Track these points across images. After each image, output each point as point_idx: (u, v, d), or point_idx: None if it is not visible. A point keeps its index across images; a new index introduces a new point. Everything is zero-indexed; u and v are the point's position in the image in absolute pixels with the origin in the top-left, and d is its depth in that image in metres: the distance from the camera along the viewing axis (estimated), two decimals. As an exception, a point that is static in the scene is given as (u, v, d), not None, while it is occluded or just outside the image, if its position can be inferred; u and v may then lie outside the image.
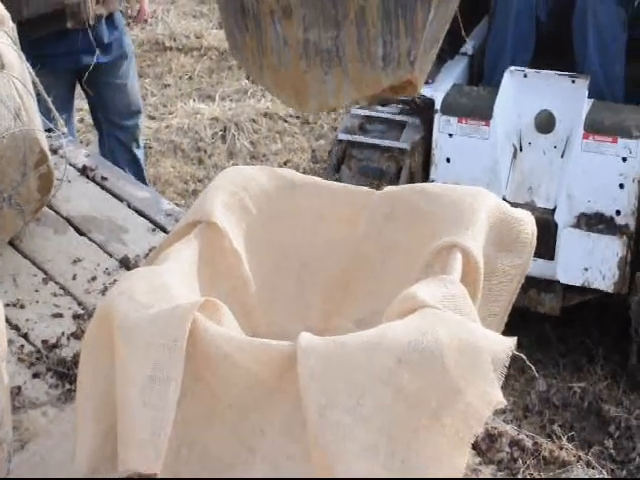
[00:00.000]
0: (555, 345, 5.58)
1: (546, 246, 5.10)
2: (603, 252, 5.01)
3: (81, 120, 7.11)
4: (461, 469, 1.81)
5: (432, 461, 1.81)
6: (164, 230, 2.92)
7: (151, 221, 2.97)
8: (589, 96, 4.97)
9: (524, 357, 1.91)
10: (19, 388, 2.38)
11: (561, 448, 2.17)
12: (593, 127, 4.93)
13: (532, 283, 5.11)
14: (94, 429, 2.07)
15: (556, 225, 5.10)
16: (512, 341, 1.83)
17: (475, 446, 2.17)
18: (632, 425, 5.08)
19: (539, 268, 5.05)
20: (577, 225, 5.08)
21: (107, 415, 2.05)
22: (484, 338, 1.82)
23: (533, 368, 2.30)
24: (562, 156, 5.06)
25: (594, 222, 5.07)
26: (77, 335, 2.51)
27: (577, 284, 5.09)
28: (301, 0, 1.88)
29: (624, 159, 4.91)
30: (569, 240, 5.06)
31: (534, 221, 2.23)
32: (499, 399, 1.80)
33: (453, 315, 1.85)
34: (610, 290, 5.04)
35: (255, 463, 1.96)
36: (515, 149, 5.16)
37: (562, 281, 5.11)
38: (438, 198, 2.18)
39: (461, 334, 1.81)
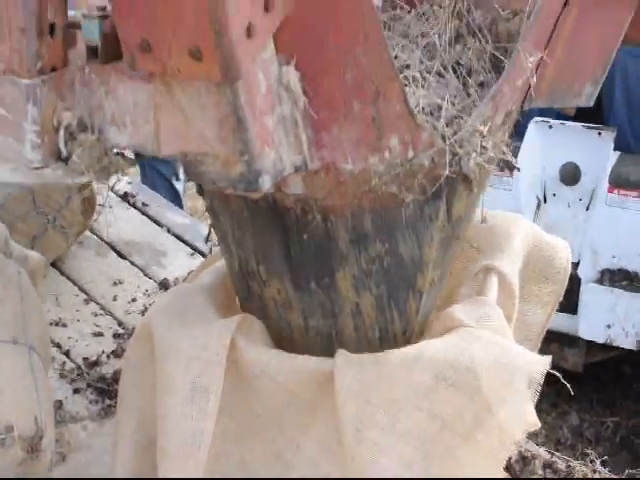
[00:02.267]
0: (588, 380, 5.59)
1: (569, 300, 5.14)
2: (626, 309, 5.05)
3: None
4: None
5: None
6: (202, 254, 3.04)
7: (190, 246, 3.08)
8: (615, 149, 5.05)
9: (559, 375, 1.97)
10: (60, 403, 2.50)
11: (594, 471, 2.23)
12: (618, 181, 4.98)
13: (554, 337, 5.17)
14: (134, 444, 2.16)
15: (579, 280, 5.15)
16: (547, 360, 1.91)
17: (508, 468, 2.24)
18: None
19: (561, 322, 5.11)
20: (600, 281, 5.12)
21: (147, 430, 2.14)
22: (519, 356, 1.91)
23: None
24: (587, 209, 5.11)
25: (618, 278, 5.10)
26: (117, 353, 2.62)
27: (599, 341, 5.12)
28: (299, 296, 2.04)
29: (650, 215, 4.97)
30: (592, 296, 5.12)
31: (569, 248, 2.32)
32: (533, 419, 1.87)
33: (489, 334, 1.94)
34: (633, 347, 5.07)
35: (290, 477, 2.04)
36: (539, 201, 5.24)
37: (584, 337, 5.17)
38: (476, 223, 2.27)
39: (496, 353, 1.90)
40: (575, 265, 5.16)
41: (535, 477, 2.27)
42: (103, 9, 1.65)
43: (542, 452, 2.30)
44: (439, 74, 2.15)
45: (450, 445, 1.90)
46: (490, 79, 2.18)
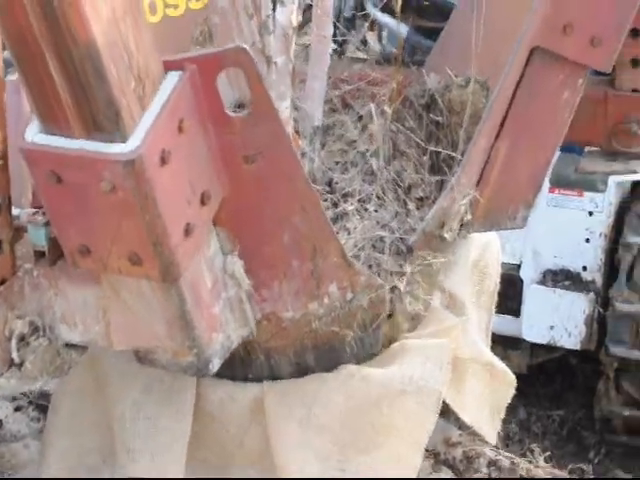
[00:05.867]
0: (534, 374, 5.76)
1: (512, 303, 5.32)
2: (569, 309, 5.23)
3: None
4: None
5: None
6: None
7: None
8: (554, 149, 5.17)
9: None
10: (1, 422, 2.57)
11: (537, 467, 2.41)
12: (559, 181, 5.12)
13: (499, 340, 5.34)
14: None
15: (522, 281, 5.32)
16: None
17: (453, 467, 2.42)
18: (612, 451, 5.41)
19: (505, 325, 5.28)
20: (543, 281, 5.27)
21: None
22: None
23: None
24: None
25: (560, 278, 5.27)
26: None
27: (542, 342, 5.31)
28: None
29: (590, 213, 5.08)
30: (534, 297, 5.29)
31: (497, 241, 2.58)
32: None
33: None
34: (577, 347, 5.26)
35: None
36: (481, 204, 5.36)
37: (527, 339, 5.34)
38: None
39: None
40: (517, 267, 5.32)
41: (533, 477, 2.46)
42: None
43: (487, 451, 2.47)
44: (378, 197, 2.30)
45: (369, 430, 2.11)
46: (430, 192, 2.34)
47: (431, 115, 2.49)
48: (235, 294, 1.87)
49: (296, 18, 2.16)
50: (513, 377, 2.39)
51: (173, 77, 1.63)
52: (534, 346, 5.40)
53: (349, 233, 2.18)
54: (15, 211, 1.84)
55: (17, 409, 2.66)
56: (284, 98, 2.18)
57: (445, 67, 2.52)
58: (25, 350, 1.77)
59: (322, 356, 2.14)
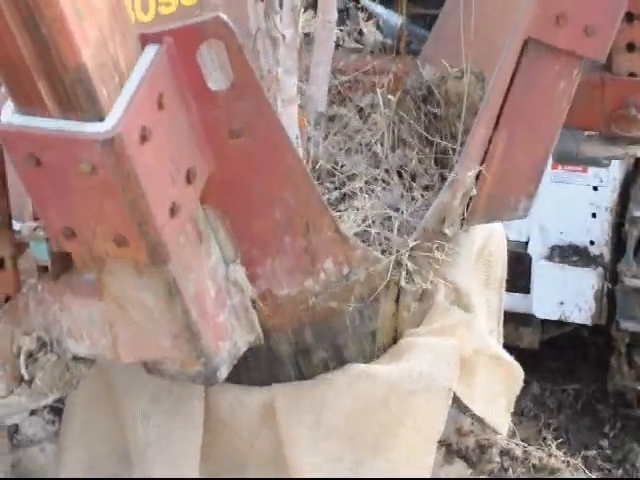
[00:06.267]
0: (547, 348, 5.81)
1: (521, 280, 5.34)
2: (578, 284, 5.26)
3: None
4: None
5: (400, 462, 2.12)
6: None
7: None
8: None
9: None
10: (17, 426, 2.60)
11: (550, 455, 2.43)
12: (562, 157, 5.13)
13: (509, 318, 5.36)
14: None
15: (530, 258, 5.34)
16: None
17: (466, 458, 2.44)
18: (626, 425, 5.43)
19: (515, 302, 5.31)
20: (550, 257, 5.31)
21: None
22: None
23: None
24: None
25: (568, 254, 5.29)
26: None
27: (553, 318, 5.35)
28: None
29: (595, 188, 5.13)
30: (543, 273, 5.32)
31: (503, 231, 2.61)
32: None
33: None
34: (588, 322, 5.29)
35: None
36: (484, 181, 5.38)
37: (538, 315, 5.38)
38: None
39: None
40: (525, 244, 5.35)
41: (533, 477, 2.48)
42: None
43: (499, 439, 2.48)
44: (384, 180, 2.31)
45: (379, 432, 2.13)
46: (434, 180, 2.35)
47: (429, 107, 2.50)
48: (239, 301, 1.89)
49: (304, -11, 2.16)
50: (521, 370, 2.40)
51: (150, 51, 1.58)
52: (545, 322, 5.45)
53: (357, 210, 2.19)
54: (16, 225, 1.85)
55: (32, 412, 2.67)
56: (291, 74, 2.18)
57: (440, 58, 2.53)
58: (34, 366, 1.79)
59: (321, 333, 2.15)
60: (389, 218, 2.17)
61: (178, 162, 1.65)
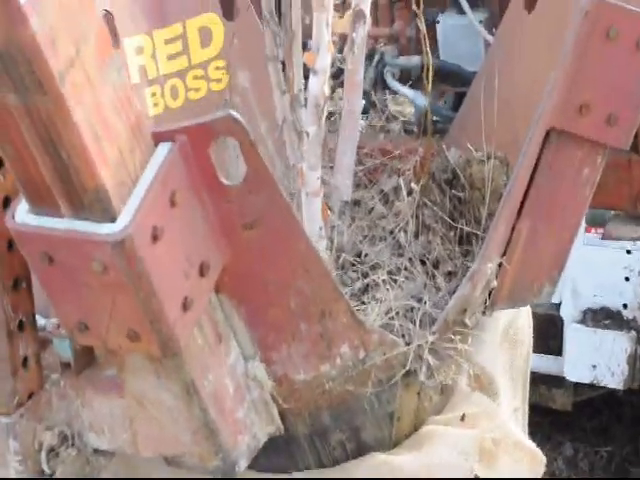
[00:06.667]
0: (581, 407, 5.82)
1: (553, 342, 5.35)
2: (611, 348, 5.25)
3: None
4: None
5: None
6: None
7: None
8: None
9: None
10: None
11: None
12: (595, 220, 5.14)
13: (542, 379, 5.38)
14: None
15: (562, 320, 5.35)
16: None
17: None
18: None
19: (548, 364, 5.33)
20: (583, 321, 5.32)
21: None
22: None
23: None
24: None
25: (600, 317, 5.29)
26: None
27: (585, 382, 5.34)
28: None
29: (628, 252, 5.14)
30: (575, 336, 5.32)
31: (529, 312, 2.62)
32: None
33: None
34: (620, 387, 5.28)
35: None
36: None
37: (570, 379, 5.39)
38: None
39: None
40: (557, 306, 5.35)
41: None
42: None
43: None
44: (407, 269, 2.33)
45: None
46: (458, 266, 2.36)
47: (453, 191, 2.52)
48: (259, 395, 1.90)
49: (328, 88, 2.19)
50: (542, 456, 2.40)
51: (163, 149, 1.60)
52: (577, 384, 5.45)
53: (380, 302, 2.20)
54: (40, 321, 1.89)
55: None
56: (315, 169, 2.20)
57: (465, 141, 2.55)
58: (55, 461, 1.82)
59: (338, 415, 2.15)
60: (412, 309, 2.18)
61: (192, 257, 1.67)
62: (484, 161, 2.48)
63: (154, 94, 2.63)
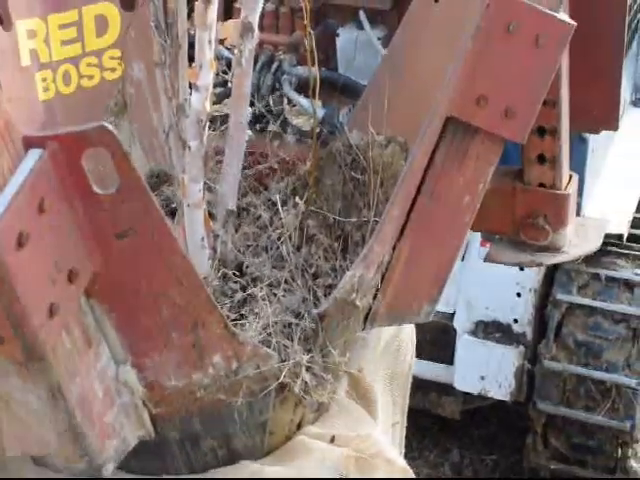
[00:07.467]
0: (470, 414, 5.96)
1: (445, 351, 5.43)
2: (500, 361, 5.37)
3: None
4: None
5: None
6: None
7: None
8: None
9: None
10: None
11: None
12: (490, 235, 5.20)
13: (432, 387, 5.47)
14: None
15: (455, 331, 5.43)
16: None
17: None
18: None
19: (438, 372, 5.42)
20: (475, 332, 5.40)
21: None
22: None
23: None
24: (462, 260, 5.29)
25: (492, 330, 5.39)
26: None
27: (474, 392, 5.44)
28: None
29: (521, 268, 5.18)
30: (467, 347, 5.43)
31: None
32: None
33: None
34: (507, 399, 5.40)
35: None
36: (415, 252, 5.45)
37: (459, 388, 5.50)
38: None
39: None
40: (451, 316, 5.43)
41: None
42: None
43: None
44: (287, 282, 2.34)
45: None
46: (339, 279, 2.37)
47: (352, 173, 2.53)
48: (129, 400, 1.90)
49: (210, 104, 2.20)
50: (412, 474, 2.43)
51: (33, 155, 1.58)
52: (467, 393, 5.54)
53: (258, 318, 2.22)
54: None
55: None
56: (197, 181, 2.21)
57: (368, 124, 2.54)
58: None
59: (209, 422, 2.16)
60: (290, 324, 2.19)
61: (60, 263, 1.66)
62: (384, 145, 2.49)
63: (45, 79, 2.59)
